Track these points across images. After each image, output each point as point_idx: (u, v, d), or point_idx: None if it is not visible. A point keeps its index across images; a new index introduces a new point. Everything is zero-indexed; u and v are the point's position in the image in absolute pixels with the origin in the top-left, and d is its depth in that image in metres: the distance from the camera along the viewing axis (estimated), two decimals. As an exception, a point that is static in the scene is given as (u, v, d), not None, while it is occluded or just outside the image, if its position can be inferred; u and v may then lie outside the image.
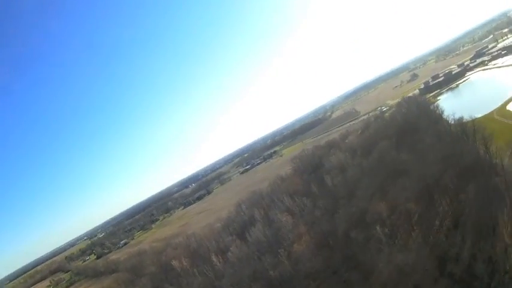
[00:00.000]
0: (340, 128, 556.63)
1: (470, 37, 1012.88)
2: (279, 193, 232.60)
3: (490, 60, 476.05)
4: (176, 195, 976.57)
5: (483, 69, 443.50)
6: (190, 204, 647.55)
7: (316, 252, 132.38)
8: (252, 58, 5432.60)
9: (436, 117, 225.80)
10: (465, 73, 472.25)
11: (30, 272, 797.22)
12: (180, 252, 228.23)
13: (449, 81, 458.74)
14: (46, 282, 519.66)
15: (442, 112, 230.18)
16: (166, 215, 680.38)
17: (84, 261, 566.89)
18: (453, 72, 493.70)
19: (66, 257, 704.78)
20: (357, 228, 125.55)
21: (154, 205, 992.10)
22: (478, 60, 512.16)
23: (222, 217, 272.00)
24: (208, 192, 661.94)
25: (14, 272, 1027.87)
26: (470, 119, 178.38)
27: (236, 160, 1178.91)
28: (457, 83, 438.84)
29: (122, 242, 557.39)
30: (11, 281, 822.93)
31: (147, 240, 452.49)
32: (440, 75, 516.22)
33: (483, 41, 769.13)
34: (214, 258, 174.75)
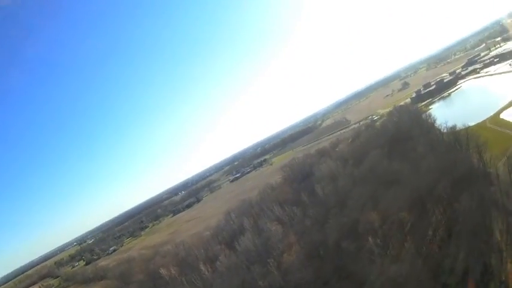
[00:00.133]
0: (331, 136, 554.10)
1: (462, 46, 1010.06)
2: (268, 202, 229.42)
3: (482, 68, 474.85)
4: (166, 202, 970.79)
5: (475, 77, 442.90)
6: (179, 211, 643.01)
7: (306, 262, 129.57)
8: (241, 69, 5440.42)
9: (428, 126, 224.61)
10: (457, 81, 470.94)
11: (19, 277, 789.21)
12: (169, 261, 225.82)
13: (441, 89, 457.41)
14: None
15: (434, 121, 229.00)
16: (155, 222, 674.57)
17: (74, 267, 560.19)
18: (445, 81, 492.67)
19: (55, 263, 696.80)
20: (348, 238, 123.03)
21: (143, 212, 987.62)
22: (470, 68, 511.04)
23: (211, 225, 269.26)
24: (198, 200, 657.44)
25: (3, 277, 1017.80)
26: (463, 127, 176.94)
27: (226, 168, 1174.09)
28: (449, 91, 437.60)
29: (111, 249, 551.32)
30: (0, 286, 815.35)
31: (136, 247, 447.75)
32: (432, 83, 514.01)
33: (475, 49, 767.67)
34: (202, 267, 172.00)
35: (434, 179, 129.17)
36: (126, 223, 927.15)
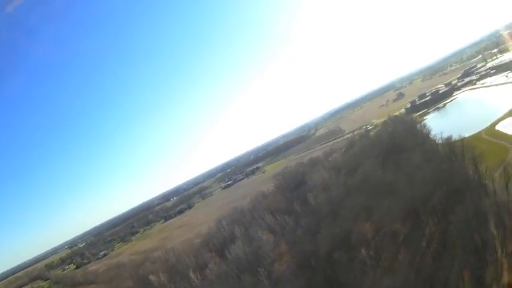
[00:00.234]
0: (324, 145, 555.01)
1: (458, 57, 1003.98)
2: (260, 210, 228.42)
3: (478, 80, 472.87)
4: (157, 208, 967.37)
5: (471, 89, 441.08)
6: (171, 217, 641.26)
7: (297, 272, 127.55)
8: (235, 75, 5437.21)
9: (423, 136, 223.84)
10: (452, 92, 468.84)
11: (10, 278, 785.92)
12: (159, 267, 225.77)
13: (437, 100, 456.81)
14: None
15: (429, 131, 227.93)
16: (146, 227, 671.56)
17: (64, 270, 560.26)
18: (440, 92, 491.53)
19: (46, 265, 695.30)
20: (341, 249, 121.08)
21: (135, 217, 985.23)
22: (466, 80, 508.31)
23: (202, 232, 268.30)
24: (190, 207, 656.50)
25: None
26: (458, 138, 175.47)
27: (219, 175, 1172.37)
28: (444, 102, 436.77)
29: (101, 253, 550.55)
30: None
31: (126, 253, 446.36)
32: (427, 94, 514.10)
33: (471, 60, 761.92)
34: (192, 275, 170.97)
35: (429, 190, 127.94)
36: (118, 228, 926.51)
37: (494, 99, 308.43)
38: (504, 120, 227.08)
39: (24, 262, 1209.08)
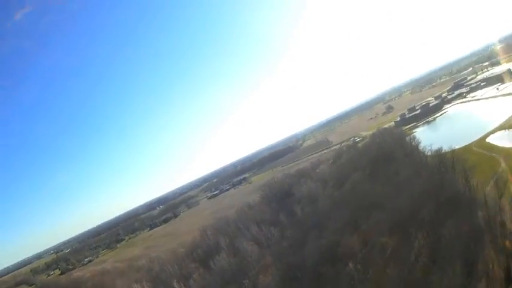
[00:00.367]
0: (311, 157, 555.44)
1: (449, 69, 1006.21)
2: (245, 221, 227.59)
3: (468, 92, 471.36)
4: (143, 216, 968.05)
5: (462, 102, 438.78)
6: (156, 226, 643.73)
7: (282, 285, 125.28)
8: (225, 88, 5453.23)
9: (412, 148, 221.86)
10: (443, 106, 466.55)
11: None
12: (142, 276, 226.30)
13: (427, 114, 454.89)
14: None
15: (418, 143, 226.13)
16: (132, 235, 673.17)
17: (49, 275, 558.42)
18: (430, 105, 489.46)
19: (31, 270, 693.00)
20: (327, 261, 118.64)
21: (121, 224, 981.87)
22: (456, 92, 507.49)
23: (187, 242, 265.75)
24: (175, 216, 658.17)
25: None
26: (448, 150, 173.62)
27: (205, 185, 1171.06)
28: (435, 116, 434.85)
29: (86, 260, 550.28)
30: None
31: (111, 260, 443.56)
32: (417, 107, 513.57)
33: (461, 73, 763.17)
34: (176, 285, 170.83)
35: (418, 202, 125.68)
36: (103, 235, 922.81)
37: (485, 113, 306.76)
38: (495, 133, 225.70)
39: (9, 266, 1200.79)
